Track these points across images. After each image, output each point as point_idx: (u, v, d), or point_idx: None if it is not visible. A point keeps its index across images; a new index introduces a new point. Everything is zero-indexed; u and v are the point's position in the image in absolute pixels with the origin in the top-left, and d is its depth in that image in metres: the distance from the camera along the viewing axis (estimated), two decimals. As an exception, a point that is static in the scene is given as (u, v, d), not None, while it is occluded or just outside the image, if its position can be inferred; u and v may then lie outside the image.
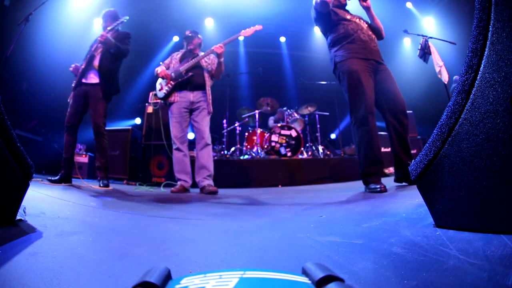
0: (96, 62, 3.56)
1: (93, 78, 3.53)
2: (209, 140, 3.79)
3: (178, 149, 3.83)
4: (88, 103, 3.59)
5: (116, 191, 3.40)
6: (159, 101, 4.43)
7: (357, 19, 3.17)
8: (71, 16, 6.84)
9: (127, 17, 3.71)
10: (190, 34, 4.07)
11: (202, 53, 3.96)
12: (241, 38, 3.81)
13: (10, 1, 5.35)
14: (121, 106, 8.23)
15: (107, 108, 3.63)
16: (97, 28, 7.56)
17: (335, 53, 3.08)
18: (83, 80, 3.55)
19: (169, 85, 3.84)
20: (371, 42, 3.04)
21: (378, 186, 2.64)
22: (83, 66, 3.56)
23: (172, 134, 3.84)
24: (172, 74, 3.84)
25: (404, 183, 3.00)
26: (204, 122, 3.82)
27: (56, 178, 3.52)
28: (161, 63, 4.05)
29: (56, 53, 6.21)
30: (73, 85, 3.60)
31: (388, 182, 2.96)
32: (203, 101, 3.84)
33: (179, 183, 3.73)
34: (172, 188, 3.64)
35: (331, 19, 3.12)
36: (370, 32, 3.11)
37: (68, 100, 3.62)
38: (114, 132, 5.38)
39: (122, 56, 3.72)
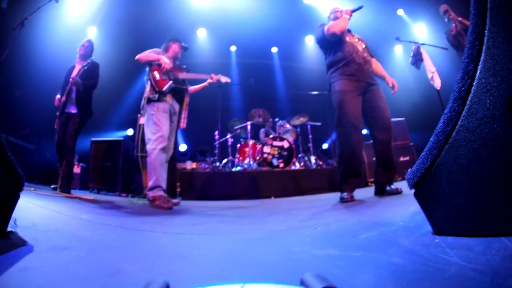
0: (73, 95, 4.32)
1: (72, 109, 4.30)
2: None
3: (164, 150, 3.23)
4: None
5: (107, 203, 3.33)
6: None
7: (355, 40, 3.23)
8: (66, 23, 6.80)
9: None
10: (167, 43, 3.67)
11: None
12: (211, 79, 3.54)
13: (7, 3, 5.31)
14: (113, 117, 8.17)
15: (80, 130, 4.34)
16: (91, 36, 7.49)
17: (330, 74, 3.22)
18: (66, 110, 4.30)
19: (170, 82, 3.34)
20: (365, 64, 3.13)
21: (346, 195, 2.83)
22: (63, 99, 4.28)
23: (162, 131, 3.22)
24: (170, 75, 3.40)
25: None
26: (174, 139, 3.58)
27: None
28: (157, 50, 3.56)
29: (51, 61, 6.13)
30: (57, 114, 4.36)
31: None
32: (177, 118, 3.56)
33: (161, 194, 3.09)
34: (162, 204, 2.97)
35: (332, 43, 3.20)
36: (366, 54, 3.19)
37: (55, 127, 4.35)
38: (106, 143, 5.27)
39: (91, 90, 4.44)
